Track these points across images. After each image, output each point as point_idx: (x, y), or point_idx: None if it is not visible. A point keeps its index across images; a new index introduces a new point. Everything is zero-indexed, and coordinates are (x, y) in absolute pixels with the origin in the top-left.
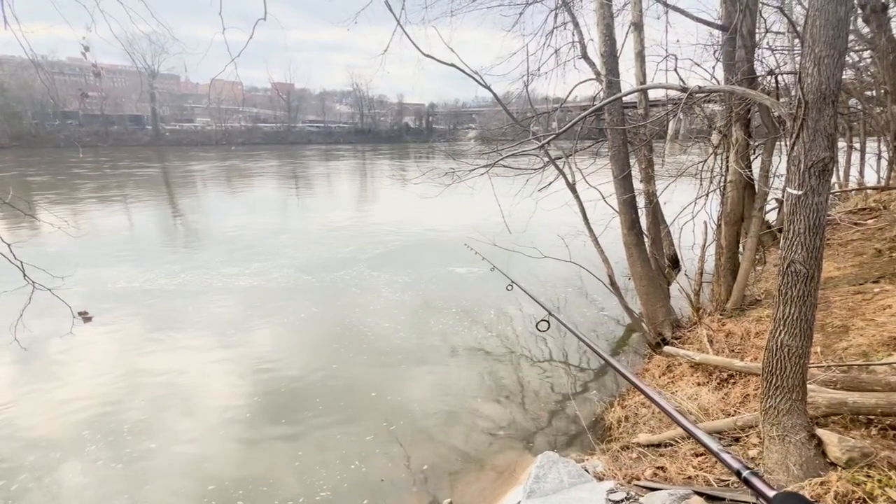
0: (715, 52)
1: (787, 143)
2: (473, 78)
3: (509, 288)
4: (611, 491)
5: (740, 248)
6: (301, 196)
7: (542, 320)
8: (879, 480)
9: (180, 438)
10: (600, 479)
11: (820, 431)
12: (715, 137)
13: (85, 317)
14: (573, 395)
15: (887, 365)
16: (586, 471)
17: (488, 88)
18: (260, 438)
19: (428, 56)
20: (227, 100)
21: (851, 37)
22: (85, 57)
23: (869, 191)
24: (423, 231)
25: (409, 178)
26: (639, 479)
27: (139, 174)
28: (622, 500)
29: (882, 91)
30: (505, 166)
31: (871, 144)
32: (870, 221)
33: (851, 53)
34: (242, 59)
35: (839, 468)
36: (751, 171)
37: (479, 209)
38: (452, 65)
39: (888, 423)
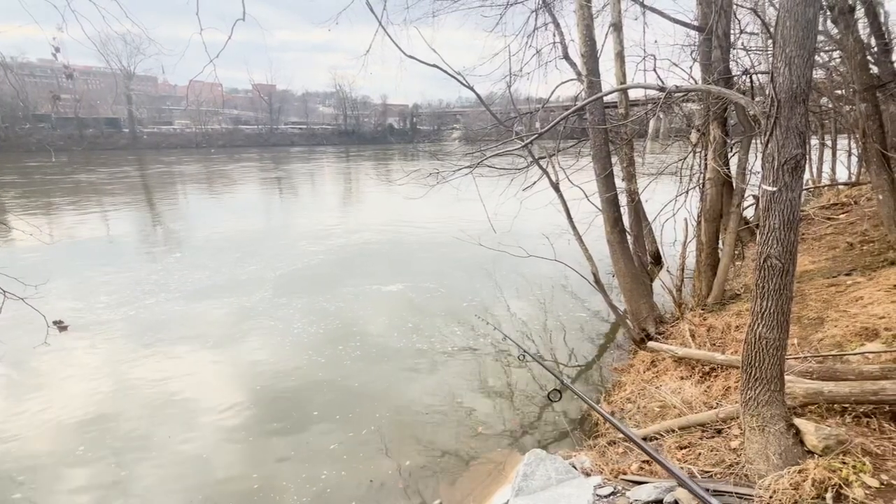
0: (692, 52)
1: (762, 140)
2: (456, 78)
3: (521, 357)
4: (598, 486)
5: (720, 244)
6: (284, 199)
7: (555, 390)
8: (854, 466)
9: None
10: (588, 475)
11: (797, 421)
12: (693, 136)
13: (60, 326)
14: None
15: (860, 355)
16: (574, 467)
17: (471, 89)
18: (254, 444)
19: (410, 57)
20: (206, 101)
21: (821, 37)
22: (56, 58)
23: (840, 186)
24: (416, 230)
25: (394, 179)
26: (625, 474)
27: (116, 178)
28: (609, 495)
29: (851, 90)
30: (489, 166)
31: (842, 142)
32: (842, 216)
33: (822, 54)
34: (223, 60)
35: (816, 456)
36: (728, 169)
37: (465, 210)
38: (435, 65)
39: (862, 410)
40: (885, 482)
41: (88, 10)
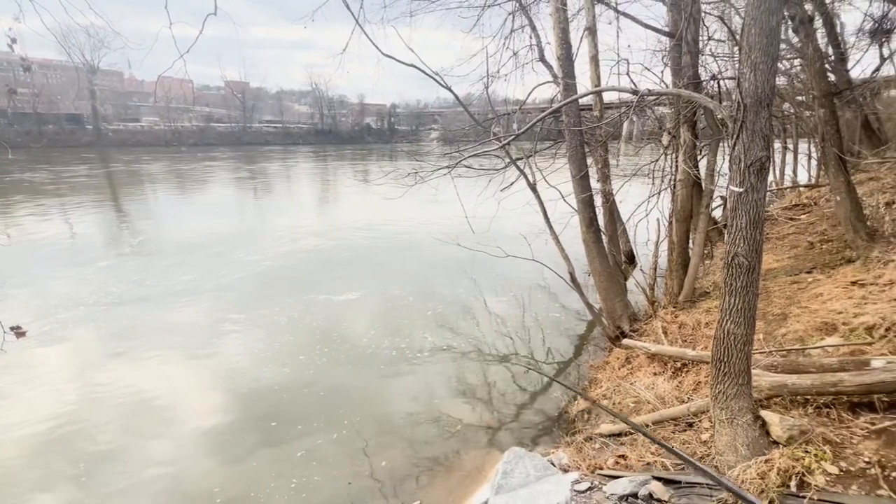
0: (663, 57)
1: (730, 143)
2: (434, 79)
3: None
4: (576, 481)
5: (690, 244)
6: (257, 199)
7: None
8: (816, 455)
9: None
10: (566, 471)
11: (764, 413)
12: (665, 139)
13: (18, 332)
14: (539, 391)
15: (820, 348)
16: (552, 464)
17: (449, 89)
18: (230, 449)
19: (388, 56)
20: (176, 98)
21: (784, 46)
22: (13, 49)
23: (802, 188)
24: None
25: (372, 179)
26: (602, 469)
27: (76, 177)
28: (586, 490)
29: (810, 96)
30: (467, 167)
31: (803, 146)
32: (803, 217)
33: (784, 61)
34: (194, 56)
35: (781, 446)
36: (698, 171)
37: (443, 210)
38: (413, 65)
39: (822, 401)
40: (843, 469)
41: (48, 0)
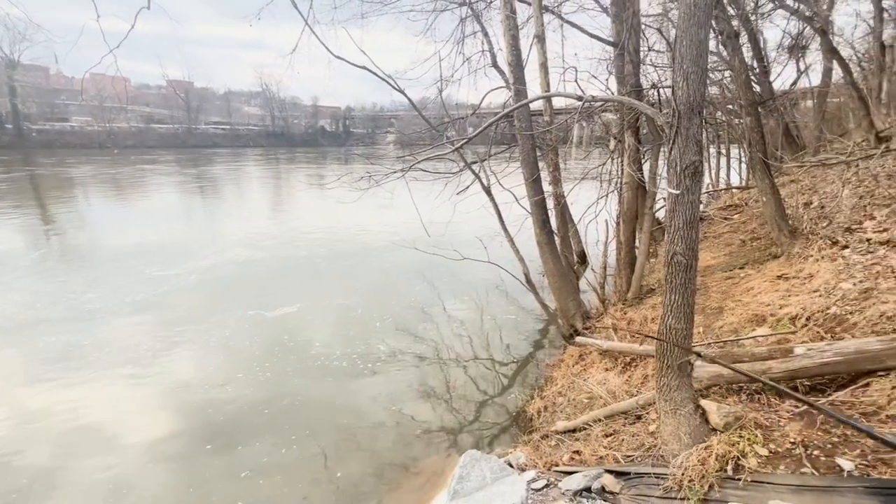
0: (608, 66)
1: (667, 148)
2: (387, 81)
3: None
4: (532, 480)
5: (637, 243)
6: (203, 205)
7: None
8: (749, 439)
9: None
10: (523, 470)
11: (703, 402)
12: (612, 143)
13: None
14: (498, 391)
15: (752, 339)
16: (510, 464)
17: (402, 92)
18: (182, 467)
19: (338, 58)
20: (111, 97)
21: (715, 58)
22: None
23: (734, 190)
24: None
25: (326, 182)
26: (557, 465)
27: None
28: (543, 488)
29: (739, 105)
30: (423, 170)
31: (735, 151)
32: (736, 216)
33: (715, 72)
34: (132, 53)
35: (719, 433)
36: (642, 174)
37: (400, 214)
38: (364, 67)
39: (754, 388)
40: (772, 450)
41: None
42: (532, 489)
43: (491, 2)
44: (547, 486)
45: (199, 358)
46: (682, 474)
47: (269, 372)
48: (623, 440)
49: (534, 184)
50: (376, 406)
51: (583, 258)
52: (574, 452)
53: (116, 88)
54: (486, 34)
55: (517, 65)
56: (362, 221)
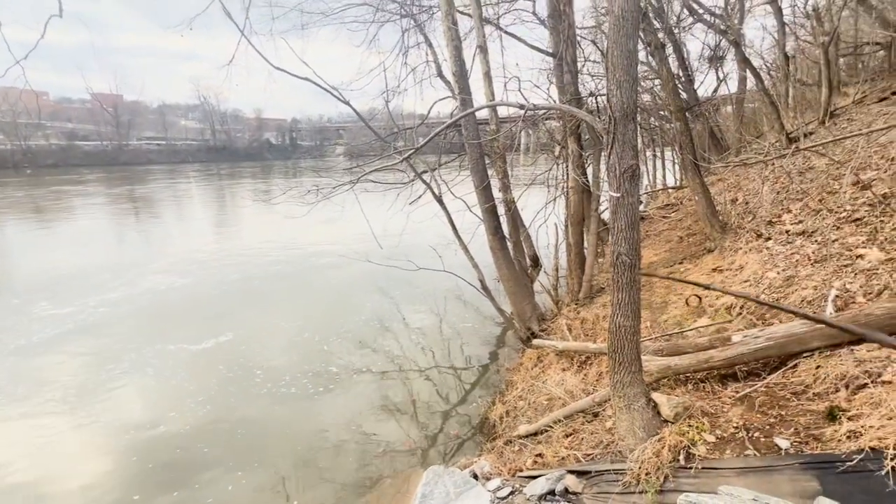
0: (548, 75)
1: (606, 153)
2: (331, 93)
3: None
4: (497, 489)
5: (585, 244)
6: (138, 226)
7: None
8: (697, 427)
9: None
10: (488, 479)
11: (654, 395)
12: (556, 149)
13: None
14: (461, 400)
15: (694, 330)
16: (474, 475)
17: (347, 103)
18: None
19: (279, 69)
20: (29, 112)
21: (646, 67)
22: None
23: (670, 190)
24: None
25: (273, 197)
26: (521, 471)
27: None
28: (508, 495)
29: (669, 111)
30: (373, 181)
31: (668, 153)
32: (673, 215)
33: (647, 81)
34: (52, 64)
35: (670, 424)
36: (586, 178)
37: (353, 227)
38: (307, 79)
39: (699, 377)
40: (719, 436)
41: None
42: (498, 497)
43: (433, 13)
44: (512, 493)
45: (119, 401)
46: (639, 468)
47: (208, 405)
48: (583, 439)
49: (484, 191)
50: (335, 427)
51: (535, 262)
52: (537, 456)
53: (29, 103)
54: (429, 45)
55: (461, 75)
56: (309, 237)
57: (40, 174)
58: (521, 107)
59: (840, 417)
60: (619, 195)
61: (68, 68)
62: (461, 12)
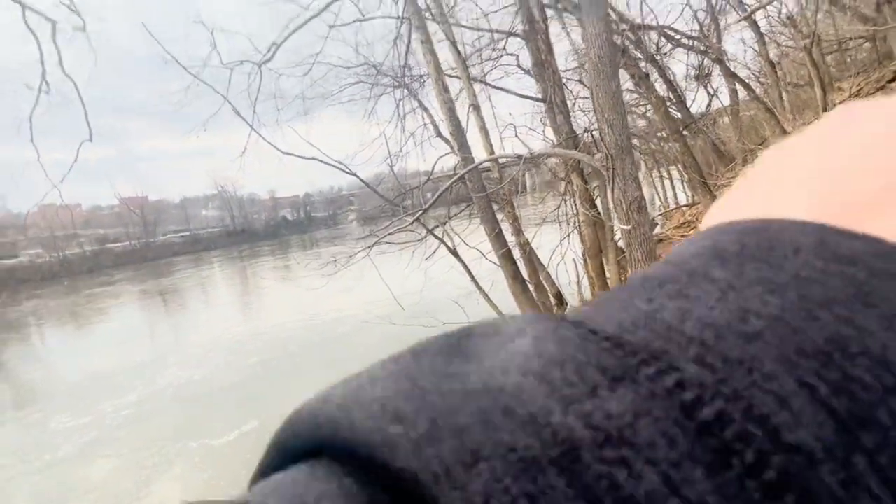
0: (541, 118)
1: (609, 188)
2: (338, 167)
3: None
4: None
5: (607, 275)
6: (165, 317)
7: None
8: None
9: None
10: None
11: None
12: (561, 186)
13: None
14: None
15: None
16: None
17: (354, 174)
18: None
19: (288, 153)
20: (64, 224)
21: (635, 95)
22: None
23: (684, 208)
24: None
25: (292, 273)
26: None
27: None
28: None
29: (665, 133)
30: (387, 243)
31: (676, 172)
32: (691, 232)
33: (639, 108)
34: (81, 178)
35: None
36: (597, 210)
37: (372, 290)
38: (315, 158)
39: None
40: None
41: None
42: None
43: (424, 81)
44: None
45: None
46: None
47: None
48: None
49: (497, 238)
50: None
51: (560, 299)
52: None
53: (64, 217)
54: (424, 109)
55: (459, 133)
56: (329, 307)
57: (76, 281)
58: (519, 157)
59: None
60: (629, 227)
61: (98, 177)
62: (450, 76)
